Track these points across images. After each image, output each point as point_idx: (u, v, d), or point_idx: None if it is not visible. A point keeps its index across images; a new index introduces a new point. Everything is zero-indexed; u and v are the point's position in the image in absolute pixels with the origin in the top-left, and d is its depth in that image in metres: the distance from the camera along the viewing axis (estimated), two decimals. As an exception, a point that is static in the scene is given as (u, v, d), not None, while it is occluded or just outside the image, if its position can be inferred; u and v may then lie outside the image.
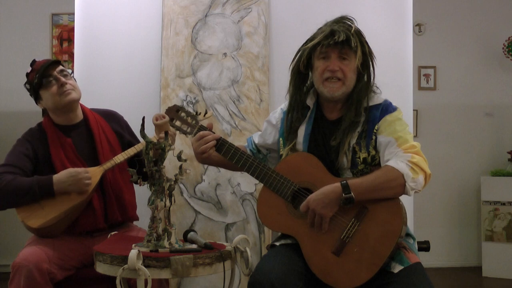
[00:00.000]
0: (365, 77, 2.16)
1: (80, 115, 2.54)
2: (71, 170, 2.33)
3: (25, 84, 2.50)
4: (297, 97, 2.21)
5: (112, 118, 2.63)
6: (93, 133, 2.50)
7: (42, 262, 2.16)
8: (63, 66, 2.52)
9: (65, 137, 2.46)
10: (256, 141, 2.34)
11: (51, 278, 2.18)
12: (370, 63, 2.17)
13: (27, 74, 2.48)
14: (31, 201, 2.30)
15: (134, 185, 2.55)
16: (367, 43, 2.16)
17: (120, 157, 2.45)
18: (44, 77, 2.43)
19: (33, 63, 2.49)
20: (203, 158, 2.21)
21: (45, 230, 2.30)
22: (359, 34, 2.13)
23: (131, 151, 2.48)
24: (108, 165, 2.42)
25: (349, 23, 2.14)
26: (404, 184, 1.96)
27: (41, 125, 2.51)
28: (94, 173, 2.38)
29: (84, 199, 2.33)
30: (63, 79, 2.44)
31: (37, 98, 2.50)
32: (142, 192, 2.51)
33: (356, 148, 2.08)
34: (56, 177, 2.32)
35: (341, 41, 2.06)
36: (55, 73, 2.44)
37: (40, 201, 2.30)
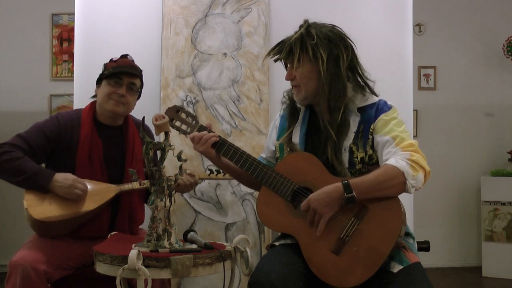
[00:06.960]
0: (341, 77, 2.08)
1: (121, 120, 2.54)
2: (71, 175, 2.32)
3: (103, 65, 2.50)
4: (291, 100, 2.24)
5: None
6: (127, 142, 2.50)
7: (38, 262, 2.15)
8: (140, 77, 2.51)
9: (98, 138, 2.44)
10: (265, 155, 2.33)
11: (48, 277, 2.18)
12: (339, 62, 2.08)
13: (111, 60, 2.49)
14: (23, 185, 2.30)
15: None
16: (320, 45, 2.06)
17: (139, 185, 2.42)
18: (115, 75, 2.44)
19: (125, 56, 2.50)
20: (210, 157, 2.21)
21: (43, 225, 2.29)
22: (304, 39, 2.07)
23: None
24: (125, 187, 2.41)
25: (301, 30, 2.11)
26: (404, 182, 1.96)
27: (80, 114, 2.49)
28: (108, 190, 2.38)
29: (91, 210, 2.32)
30: (123, 90, 2.44)
31: (97, 83, 2.51)
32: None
33: (353, 148, 2.08)
34: (56, 175, 2.31)
35: (286, 53, 2.11)
36: (125, 80, 2.45)
37: (51, 197, 2.29)
